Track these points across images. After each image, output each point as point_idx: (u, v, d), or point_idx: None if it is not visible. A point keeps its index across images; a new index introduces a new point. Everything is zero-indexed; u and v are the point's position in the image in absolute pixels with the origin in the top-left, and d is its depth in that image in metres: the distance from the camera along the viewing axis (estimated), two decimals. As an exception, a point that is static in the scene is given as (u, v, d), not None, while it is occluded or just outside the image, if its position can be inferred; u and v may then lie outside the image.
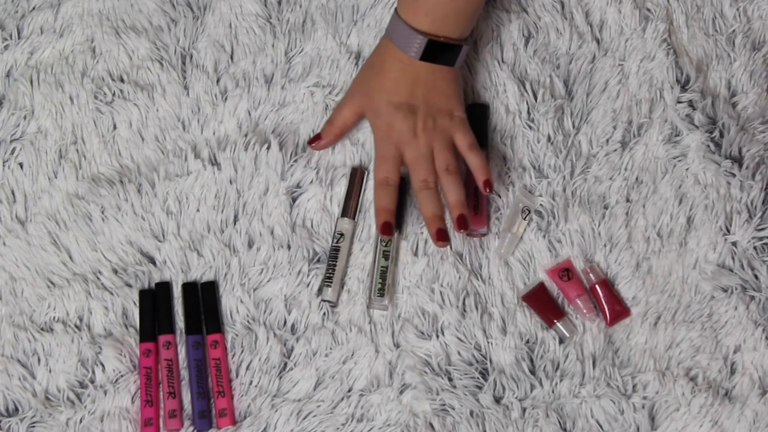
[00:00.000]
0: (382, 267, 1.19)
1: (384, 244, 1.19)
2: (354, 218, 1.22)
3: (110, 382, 1.19)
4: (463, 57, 1.19)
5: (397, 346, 1.19)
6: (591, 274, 1.21)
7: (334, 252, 1.20)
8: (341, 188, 1.23)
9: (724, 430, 1.17)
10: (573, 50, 1.27)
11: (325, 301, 1.20)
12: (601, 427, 1.18)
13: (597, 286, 1.20)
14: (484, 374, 1.19)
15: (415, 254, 1.21)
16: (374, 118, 1.20)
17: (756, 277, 1.21)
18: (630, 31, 1.27)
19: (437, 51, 1.16)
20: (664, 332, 1.20)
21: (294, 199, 1.23)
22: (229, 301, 1.21)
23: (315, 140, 1.22)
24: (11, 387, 1.18)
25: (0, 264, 1.22)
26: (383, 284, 1.19)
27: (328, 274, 1.20)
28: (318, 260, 1.22)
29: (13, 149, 1.25)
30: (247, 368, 1.19)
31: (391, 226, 1.17)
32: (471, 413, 1.17)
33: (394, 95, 1.18)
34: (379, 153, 1.19)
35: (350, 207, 1.22)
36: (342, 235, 1.20)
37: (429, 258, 1.21)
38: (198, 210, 1.23)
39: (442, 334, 1.19)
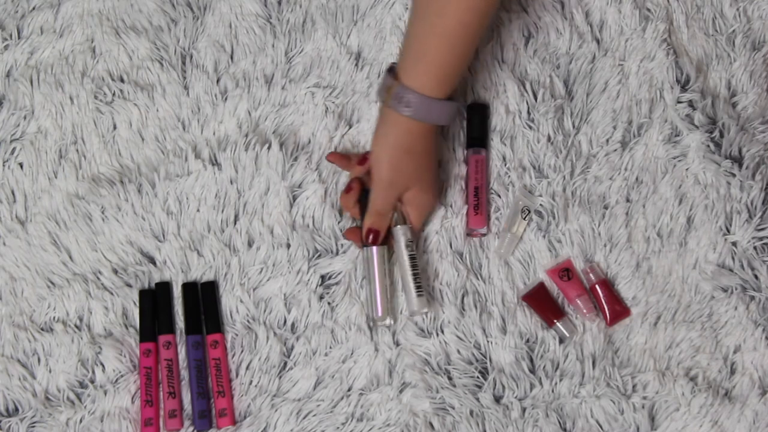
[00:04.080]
0: (414, 272, 1.18)
1: (409, 249, 1.18)
2: (406, 223, 1.20)
3: (110, 382, 1.19)
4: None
5: (396, 344, 1.19)
6: (591, 274, 1.21)
7: (414, 260, 1.18)
8: (340, 187, 1.23)
9: (724, 430, 1.17)
10: (573, 50, 1.27)
11: (421, 312, 1.18)
12: (601, 427, 1.17)
13: (597, 286, 1.20)
14: (484, 373, 1.19)
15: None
16: (424, 194, 1.19)
17: (756, 277, 1.20)
18: (630, 31, 1.27)
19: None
20: (664, 332, 1.20)
21: (294, 198, 1.23)
22: (229, 301, 1.21)
23: (374, 238, 1.18)
24: (11, 387, 1.18)
25: (0, 264, 1.22)
26: (421, 285, 1.18)
27: (417, 284, 1.17)
28: (318, 256, 1.22)
29: (13, 149, 1.25)
30: (247, 368, 1.19)
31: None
32: (471, 413, 1.17)
33: (437, 168, 1.21)
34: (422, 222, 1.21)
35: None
36: (413, 242, 1.19)
37: (428, 256, 1.21)
38: (198, 210, 1.23)
39: (442, 332, 1.19)
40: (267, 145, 1.24)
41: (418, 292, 1.17)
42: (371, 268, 1.18)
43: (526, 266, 1.22)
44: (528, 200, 1.22)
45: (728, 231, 1.22)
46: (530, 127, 1.25)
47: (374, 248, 1.18)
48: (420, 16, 1.10)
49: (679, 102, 1.25)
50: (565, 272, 1.21)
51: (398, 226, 1.18)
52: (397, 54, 1.27)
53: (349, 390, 1.18)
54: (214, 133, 1.26)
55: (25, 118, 1.26)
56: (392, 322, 1.19)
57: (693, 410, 1.17)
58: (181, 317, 1.21)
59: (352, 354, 1.19)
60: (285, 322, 1.20)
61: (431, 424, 1.17)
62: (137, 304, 1.21)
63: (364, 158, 1.19)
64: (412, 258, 1.18)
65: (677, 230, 1.22)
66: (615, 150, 1.24)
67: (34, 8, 1.29)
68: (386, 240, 1.19)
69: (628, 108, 1.26)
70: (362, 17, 1.28)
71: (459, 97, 1.16)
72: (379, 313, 1.18)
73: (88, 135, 1.26)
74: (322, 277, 1.21)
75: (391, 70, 1.14)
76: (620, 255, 1.22)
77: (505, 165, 1.24)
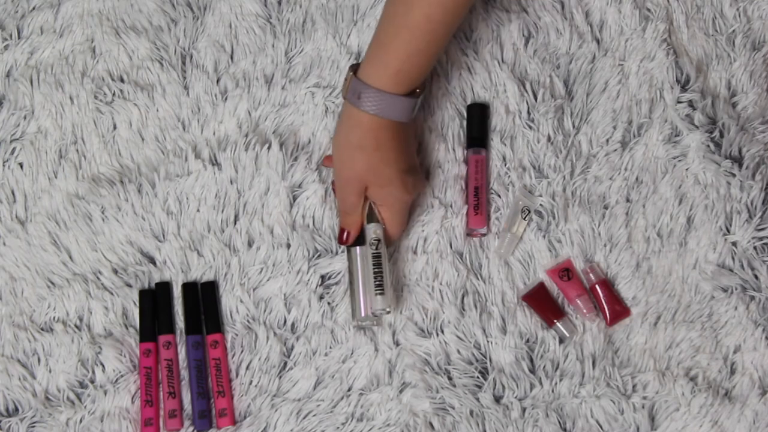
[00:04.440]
0: (375, 270, 1.18)
1: (373, 247, 1.18)
2: (378, 221, 1.20)
3: (110, 382, 1.19)
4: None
5: (396, 344, 1.19)
6: (591, 274, 1.21)
7: (377, 259, 1.17)
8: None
9: (724, 430, 1.17)
10: (573, 50, 1.27)
11: (381, 311, 1.17)
12: (601, 427, 1.18)
13: (597, 286, 1.20)
14: (484, 373, 1.19)
15: (415, 252, 1.21)
16: (383, 190, 1.16)
17: (756, 277, 1.21)
18: (630, 31, 1.27)
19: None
20: (664, 332, 1.20)
21: (294, 198, 1.23)
22: (229, 301, 1.21)
23: (346, 237, 1.18)
24: (11, 387, 1.18)
25: (0, 264, 1.22)
26: (381, 284, 1.18)
27: (377, 282, 1.16)
28: (318, 256, 1.22)
29: (13, 149, 1.25)
30: (247, 368, 1.19)
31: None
32: (471, 413, 1.17)
33: (402, 162, 1.16)
34: (405, 219, 1.20)
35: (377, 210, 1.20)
36: (379, 240, 1.18)
37: (428, 256, 1.21)
38: (198, 210, 1.23)
39: (442, 332, 1.19)
40: (267, 145, 1.24)
41: (377, 290, 1.16)
42: (354, 267, 1.18)
43: (526, 266, 1.22)
44: (528, 200, 1.22)
45: (728, 231, 1.22)
46: (530, 127, 1.25)
47: (357, 248, 1.18)
48: (386, 8, 1.09)
49: (679, 102, 1.25)
50: (565, 272, 1.21)
51: (369, 224, 1.18)
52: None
53: (349, 390, 1.18)
54: (214, 133, 1.26)
55: (25, 118, 1.26)
56: (375, 323, 1.19)
57: (693, 410, 1.17)
58: (181, 317, 1.21)
59: (352, 354, 1.19)
60: (285, 322, 1.20)
61: (431, 424, 1.17)
62: (137, 304, 1.21)
63: None
64: (375, 257, 1.17)
65: (677, 230, 1.22)
66: (615, 150, 1.24)
67: (34, 8, 1.29)
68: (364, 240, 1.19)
69: (628, 108, 1.26)
70: (362, 17, 1.28)
71: (421, 93, 1.13)
72: (363, 313, 1.17)
73: (88, 135, 1.26)
74: (322, 277, 1.21)
75: (355, 65, 1.13)
76: (620, 255, 1.22)
77: (505, 165, 1.24)
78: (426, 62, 1.10)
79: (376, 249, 1.17)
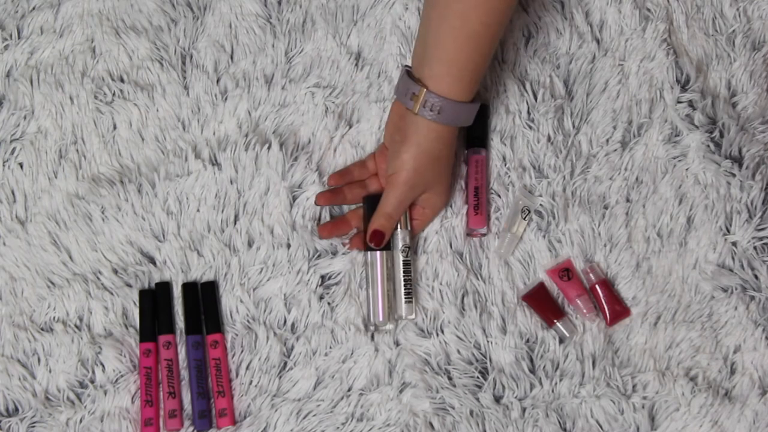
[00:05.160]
0: (406, 278, 1.18)
1: (404, 254, 1.18)
2: (407, 227, 1.20)
3: (110, 382, 1.19)
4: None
5: (396, 344, 1.19)
6: (591, 274, 1.21)
7: (408, 266, 1.19)
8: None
9: (724, 430, 1.17)
10: (573, 50, 1.27)
11: (408, 318, 1.19)
12: (601, 427, 1.18)
13: (597, 286, 1.20)
14: (484, 373, 1.19)
15: (415, 252, 1.21)
16: (438, 197, 1.20)
17: (756, 277, 1.21)
18: (630, 31, 1.27)
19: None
20: (664, 332, 1.20)
21: (294, 198, 1.23)
22: (229, 301, 1.21)
23: (378, 240, 1.18)
24: (11, 387, 1.18)
25: (0, 264, 1.22)
26: (411, 291, 1.19)
27: (407, 290, 1.18)
28: (318, 257, 1.22)
29: (13, 149, 1.25)
30: (247, 368, 1.19)
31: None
32: (471, 413, 1.17)
33: (452, 172, 1.21)
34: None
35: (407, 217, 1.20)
36: (409, 247, 1.19)
37: (428, 256, 1.21)
38: (198, 210, 1.23)
39: (442, 332, 1.19)
40: (267, 145, 1.24)
41: (406, 298, 1.18)
42: (374, 272, 1.18)
43: (526, 266, 1.22)
44: (528, 200, 1.22)
45: (728, 231, 1.22)
46: (530, 127, 1.25)
47: (377, 253, 1.18)
48: (440, 21, 1.09)
49: (679, 102, 1.25)
50: (565, 272, 1.21)
51: (400, 230, 1.19)
52: (399, 54, 1.27)
53: (349, 390, 1.18)
54: (214, 133, 1.26)
55: (25, 118, 1.26)
56: (393, 327, 1.19)
57: (693, 410, 1.17)
58: (181, 317, 1.21)
59: (352, 354, 1.19)
60: (285, 322, 1.20)
61: (431, 424, 1.17)
62: (137, 304, 1.21)
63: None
64: (406, 264, 1.18)
65: (677, 230, 1.22)
66: (615, 150, 1.24)
67: (34, 8, 1.29)
68: (387, 245, 1.19)
69: (628, 108, 1.26)
70: (362, 17, 1.28)
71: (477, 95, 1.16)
72: (381, 318, 1.18)
73: (88, 135, 1.26)
74: (322, 277, 1.21)
75: (411, 75, 1.13)
76: (620, 255, 1.22)
77: (505, 165, 1.24)
78: (488, 64, 1.13)
79: (407, 256, 1.18)
